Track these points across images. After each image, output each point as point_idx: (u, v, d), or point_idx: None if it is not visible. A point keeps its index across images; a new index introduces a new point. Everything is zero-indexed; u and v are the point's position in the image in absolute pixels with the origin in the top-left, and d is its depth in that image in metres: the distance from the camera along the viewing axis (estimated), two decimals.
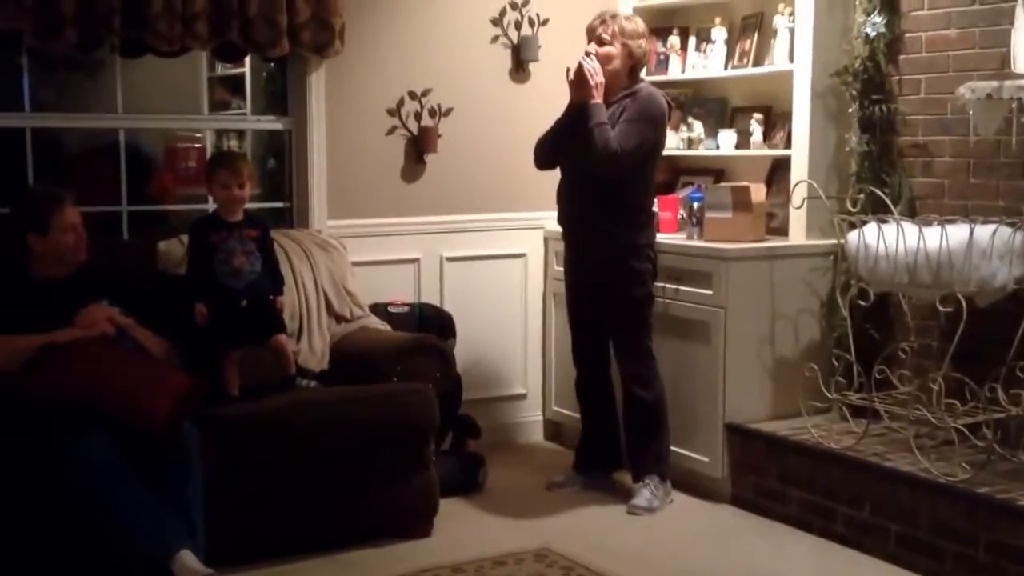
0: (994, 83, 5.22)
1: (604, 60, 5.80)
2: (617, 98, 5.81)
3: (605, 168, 5.69)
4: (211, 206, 6.15)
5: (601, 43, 5.81)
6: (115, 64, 6.08)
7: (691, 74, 6.98)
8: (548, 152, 5.95)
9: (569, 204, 5.97)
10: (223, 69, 7.57)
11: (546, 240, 7.02)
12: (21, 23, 5.41)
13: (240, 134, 7.31)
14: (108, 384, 4.62)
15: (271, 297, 5.46)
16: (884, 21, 5.87)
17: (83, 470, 4.44)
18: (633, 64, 5.84)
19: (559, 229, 6.29)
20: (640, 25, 5.88)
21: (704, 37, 6.88)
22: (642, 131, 5.74)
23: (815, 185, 5.87)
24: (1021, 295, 5.21)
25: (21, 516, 4.54)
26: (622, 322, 5.93)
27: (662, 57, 6.92)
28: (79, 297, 4.97)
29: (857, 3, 5.96)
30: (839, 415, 5.80)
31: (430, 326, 6.29)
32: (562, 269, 6.42)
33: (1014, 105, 5.17)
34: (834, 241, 5.85)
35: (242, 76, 7.38)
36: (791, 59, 6.19)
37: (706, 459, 6.04)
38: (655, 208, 6.13)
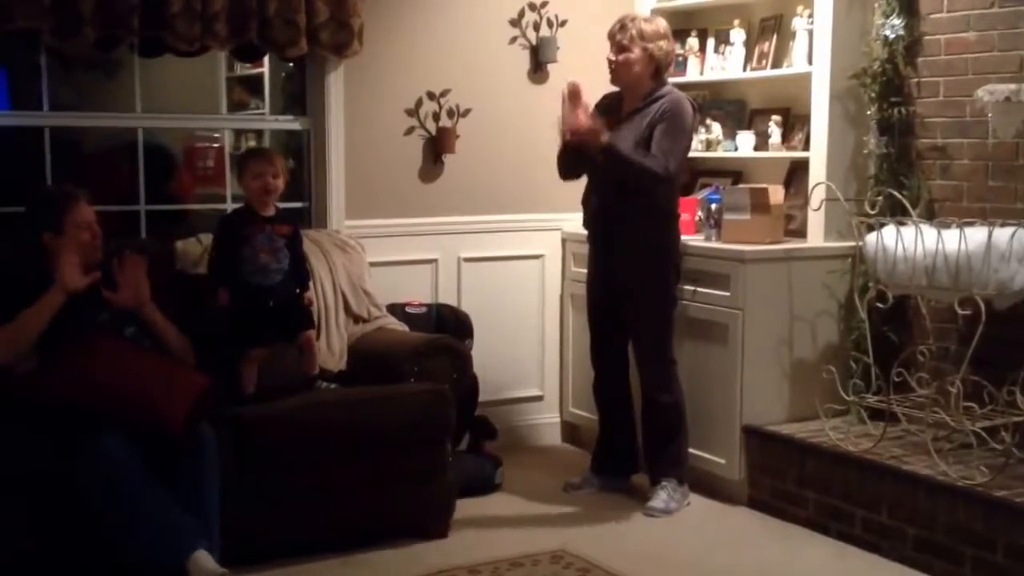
0: (1012, 86, 5.22)
1: (625, 66, 5.80)
2: (643, 103, 5.80)
3: (660, 190, 5.75)
4: (229, 206, 6.19)
5: (621, 49, 5.80)
6: (134, 64, 6.08)
7: (709, 76, 6.98)
8: (569, 170, 6.00)
9: (596, 207, 5.95)
10: (242, 69, 7.57)
11: (564, 241, 7.02)
12: (40, 22, 5.41)
13: (258, 134, 7.31)
14: (125, 385, 4.63)
15: (298, 291, 5.47)
16: (903, 23, 5.86)
17: (99, 470, 4.46)
18: (656, 66, 5.83)
19: (577, 231, 6.30)
20: (661, 25, 5.86)
21: (723, 39, 6.87)
22: (682, 145, 5.77)
23: (833, 187, 5.86)
24: None
25: (38, 516, 4.55)
26: (644, 324, 5.92)
27: (680, 59, 6.90)
28: (96, 296, 4.97)
29: (876, 5, 5.95)
30: (857, 417, 5.81)
31: (447, 327, 6.29)
32: (579, 270, 6.43)
33: None
34: (852, 243, 5.83)
35: (261, 76, 7.39)
36: (810, 61, 6.18)
37: (723, 461, 6.03)
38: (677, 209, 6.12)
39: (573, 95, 5.69)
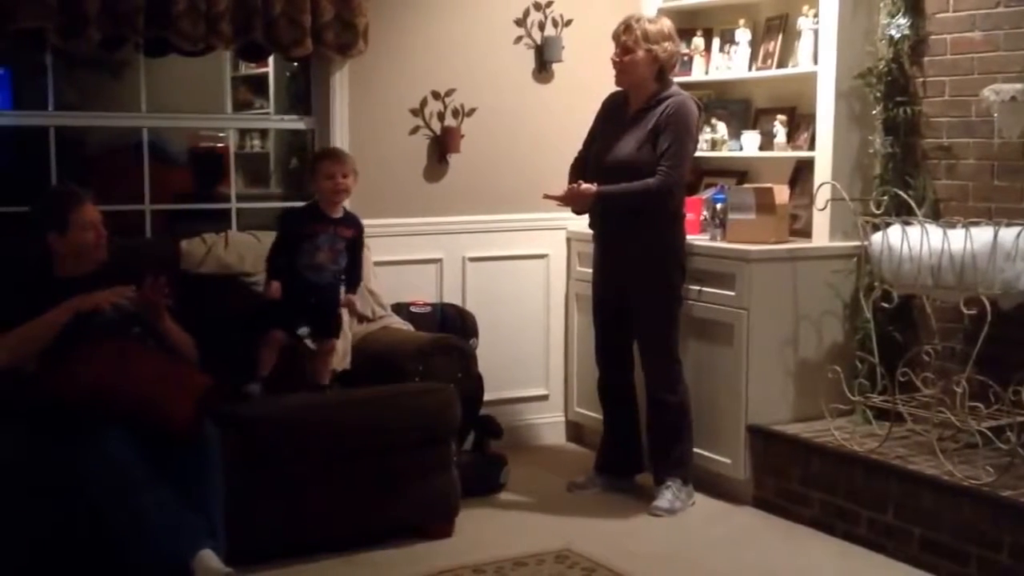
0: (1018, 85, 5.23)
1: (630, 67, 5.80)
2: (648, 104, 5.80)
3: (672, 198, 5.80)
4: (234, 206, 6.21)
5: (625, 50, 5.79)
6: (139, 63, 6.09)
7: (715, 75, 6.98)
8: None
9: (602, 207, 5.95)
10: (246, 69, 7.58)
11: (568, 241, 7.02)
12: (45, 22, 5.41)
13: (263, 133, 7.33)
14: (128, 385, 4.62)
15: (341, 292, 5.56)
16: (908, 23, 5.86)
17: (103, 470, 4.45)
18: (660, 67, 5.82)
19: (581, 230, 6.31)
20: (666, 26, 5.85)
21: (728, 38, 6.87)
22: (687, 148, 5.78)
23: (839, 187, 5.85)
24: None
25: (42, 517, 4.55)
26: (650, 324, 5.92)
27: (686, 58, 6.88)
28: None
29: (881, 5, 5.95)
30: (862, 417, 5.79)
31: (452, 326, 6.29)
32: (584, 270, 6.43)
33: None
34: (857, 243, 5.82)
35: (265, 76, 7.40)
36: (815, 61, 6.18)
37: (728, 461, 6.03)
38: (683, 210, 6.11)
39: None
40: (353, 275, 5.62)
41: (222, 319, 5.46)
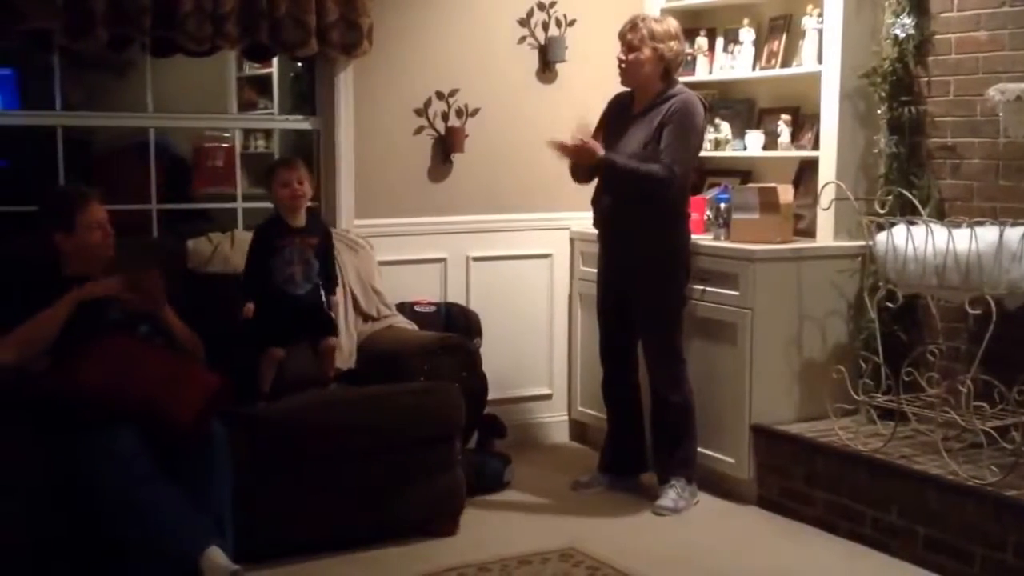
0: (1023, 85, 5.21)
1: (635, 66, 5.80)
2: (653, 103, 5.81)
3: (667, 192, 5.73)
4: (240, 206, 6.21)
5: (631, 49, 5.80)
6: (145, 64, 6.09)
7: (719, 75, 6.98)
8: (581, 180, 6.01)
9: (606, 206, 5.95)
10: (251, 69, 7.58)
11: (572, 240, 7.03)
12: (52, 22, 5.42)
13: (268, 134, 7.32)
14: (136, 383, 4.63)
15: (324, 296, 5.52)
16: (913, 23, 5.86)
17: (111, 469, 4.45)
18: (666, 66, 5.83)
19: (585, 230, 6.31)
20: (671, 25, 5.85)
21: (732, 38, 6.87)
22: (692, 144, 5.79)
23: (843, 186, 5.85)
24: None
25: (50, 515, 4.55)
26: (653, 323, 5.93)
27: (689, 58, 6.89)
28: (109, 295, 4.98)
29: (886, 4, 5.95)
30: (866, 417, 5.79)
31: (456, 326, 6.31)
32: (588, 269, 6.44)
33: None
34: (862, 243, 5.83)
35: (270, 76, 7.40)
36: (819, 60, 6.18)
37: (732, 460, 6.04)
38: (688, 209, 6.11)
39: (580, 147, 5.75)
40: (328, 279, 5.58)
41: (222, 336, 5.42)
